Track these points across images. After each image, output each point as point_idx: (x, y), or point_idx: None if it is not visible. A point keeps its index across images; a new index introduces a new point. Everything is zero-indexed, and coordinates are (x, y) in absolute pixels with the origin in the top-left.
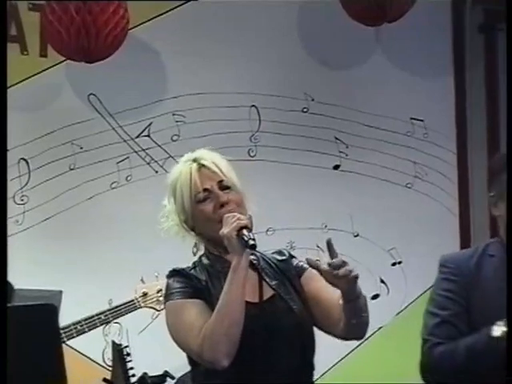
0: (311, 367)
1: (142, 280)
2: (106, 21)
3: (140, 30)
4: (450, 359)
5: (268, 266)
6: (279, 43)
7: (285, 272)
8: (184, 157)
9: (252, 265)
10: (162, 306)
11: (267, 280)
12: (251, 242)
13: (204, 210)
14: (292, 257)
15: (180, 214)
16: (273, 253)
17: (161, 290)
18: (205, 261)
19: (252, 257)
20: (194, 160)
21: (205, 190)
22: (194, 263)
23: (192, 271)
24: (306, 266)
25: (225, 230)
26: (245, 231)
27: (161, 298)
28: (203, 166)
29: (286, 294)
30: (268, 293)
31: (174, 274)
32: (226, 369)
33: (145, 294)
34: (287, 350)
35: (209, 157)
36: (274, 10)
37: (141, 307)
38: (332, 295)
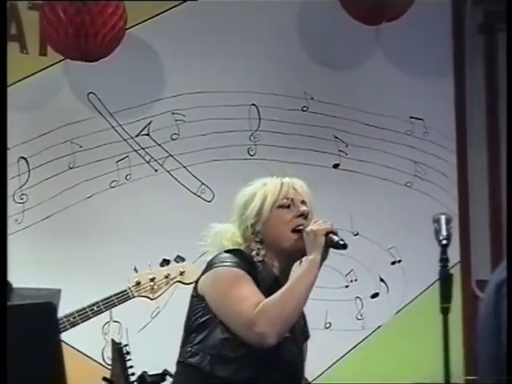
0: None
1: (135, 269)
2: (104, 21)
3: (139, 29)
4: None
5: None
6: (279, 42)
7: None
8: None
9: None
10: (156, 295)
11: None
12: (342, 242)
13: (282, 216)
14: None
15: (249, 220)
16: None
17: (154, 278)
18: (252, 264)
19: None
20: (282, 179)
21: (290, 198)
22: (250, 259)
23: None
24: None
25: (314, 227)
26: (333, 235)
27: (155, 287)
28: (289, 182)
29: (298, 334)
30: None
31: (235, 250)
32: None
33: (138, 283)
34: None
35: (298, 181)
36: (274, 10)
37: (134, 297)
38: None
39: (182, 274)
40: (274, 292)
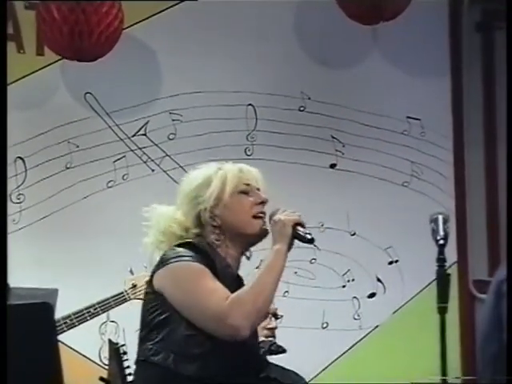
0: None
1: (130, 271)
2: (98, 20)
3: (136, 28)
4: None
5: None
6: (276, 42)
7: None
8: (212, 163)
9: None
10: None
11: None
12: (309, 237)
13: (243, 201)
14: None
15: (206, 203)
16: None
17: None
18: (207, 255)
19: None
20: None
21: (248, 184)
22: (196, 250)
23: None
24: None
25: (282, 217)
26: (300, 228)
27: None
28: (246, 169)
29: None
30: None
31: (188, 244)
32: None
33: (134, 286)
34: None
35: (253, 169)
36: (271, 9)
37: (130, 299)
38: None
39: None
40: (228, 280)
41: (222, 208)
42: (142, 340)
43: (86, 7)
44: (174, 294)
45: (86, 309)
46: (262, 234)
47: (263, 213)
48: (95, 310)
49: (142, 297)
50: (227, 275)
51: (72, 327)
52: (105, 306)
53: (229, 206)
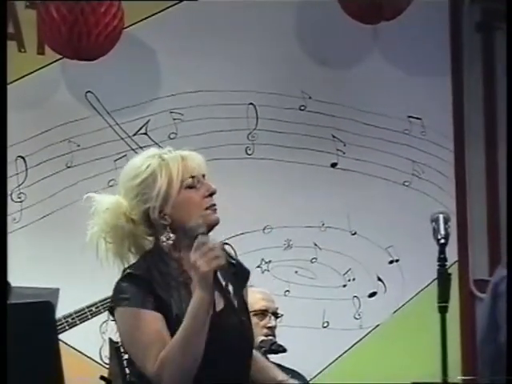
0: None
1: None
2: (97, 20)
3: (137, 27)
4: None
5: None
6: (277, 41)
7: (235, 278)
8: (151, 150)
9: None
10: None
11: (218, 287)
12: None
13: (192, 197)
14: (240, 263)
15: (153, 202)
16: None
17: None
18: (160, 264)
19: None
20: (173, 151)
21: (193, 177)
22: (144, 260)
23: (147, 274)
24: (248, 279)
25: (203, 266)
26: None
27: None
28: (189, 157)
29: (237, 306)
30: (220, 302)
31: (131, 276)
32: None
33: None
34: (235, 362)
35: (194, 154)
36: (272, 9)
37: None
38: None
39: None
40: (184, 289)
41: (170, 207)
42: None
43: (84, 7)
44: (122, 338)
45: (88, 307)
46: (214, 225)
47: (213, 204)
48: (97, 308)
49: None
50: (181, 285)
51: (73, 326)
52: (106, 304)
53: (178, 204)
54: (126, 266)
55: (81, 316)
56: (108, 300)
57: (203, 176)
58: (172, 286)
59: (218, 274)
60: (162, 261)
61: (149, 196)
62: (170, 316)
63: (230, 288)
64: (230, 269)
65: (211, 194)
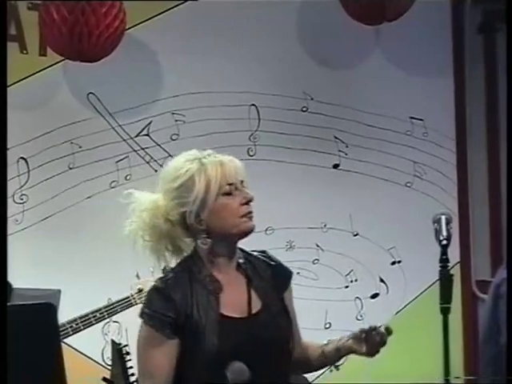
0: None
1: (137, 275)
2: (97, 21)
3: (139, 29)
4: None
5: (255, 271)
6: (279, 42)
7: (274, 281)
8: (192, 152)
9: (239, 268)
10: None
11: (256, 290)
12: None
13: (229, 204)
14: (281, 265)
15: (190, 206)
16: (259, 254)
17: None
18: (192, 268)
19: (241, 260)
20: (214, 156)
21: (231, 184)
22: (180, 265)
23: (176, 283)
24: (289, 280)
25: None
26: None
27: None
28: (230, 161)
29: (275, 308)
30: (256, 304)
31: (158, 291)
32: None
33: (140, 291)
34: (271, 365)
35: (233, 159)
36: (274, 9)
37: (136, 304)
38: (295, 326)
39: None
40: (210, 296)
41: (207, 213)
42: None
43: (85, 8)
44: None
45: (92, 313)
46: (248, 232)
47: (250, 212)
48: (101, 314)
49: None
50: (210, 294)
51: (77, 331)
52: (111, 310)
53: (214, 211)
54: (162, 264)
55: (85, 321)
56: (112, 306)
57: (242, 182)
58: (199, 295)
59: (256, 276)
60: (197, 266)
61: (186, 200)
62: (189, 325)
63: (268, 290)
64: (268, 271)
65: (248, 202)
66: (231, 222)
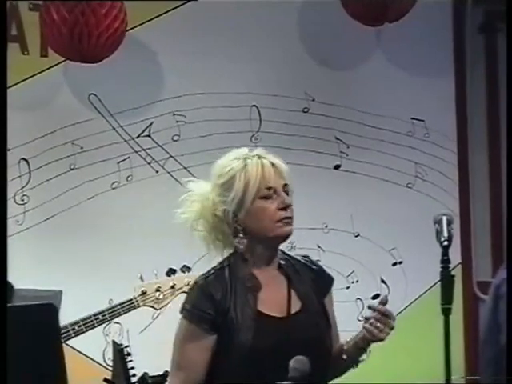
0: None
1: (140, 278)
2: (97, 22)
3: (141, 30)
4: None
5: (296, 272)
6: (280, 43)
7: (315, 285)
8: (242, 150)
9: (280, 268)
10: (161, 305)
11: (296, 290)
12: None
13: (266, 208)
14: (322, 270)
15: (229, 205)
16: (302, 258)
17: (160, 288)
18: (233, 265)
19: (282, 262)
20: (259, 156)
21: (270, 188)
22: (221, 263)
23: (216, 280)
24: (330, 284)
25: None
26: None
27: (160, 297)
28: (272, 164)
29: (314, 310)
30: (296, 305)
31: (198, 287)
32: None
33: (144, 293)
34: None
35: (274, 157)
36: (275, 10)
37: (139, 306)
38: (335, 331)
39: (188, 284)
40: (247, 297)
41: (244, 213)
42: None
43: (84, 9)
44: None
45: (95, 315)
46: (285, 237)
47: (287, 217)
48: (103, 316)
49: (151, 304)
50: (248, 290)
51: (80, 333)
52: (113, 312)
53: (251, 213)
54: (213, 252)
55: (87, 324)
56: (115, 309)
57: (284, 186)
58: (238, 292)
59: (297, 278)
60: (237, 264)
61: (226, 199)
62: (226, 321)
63: (309, 292)
64: (309, 275)
65: (285, 208)
66: (268, 225)
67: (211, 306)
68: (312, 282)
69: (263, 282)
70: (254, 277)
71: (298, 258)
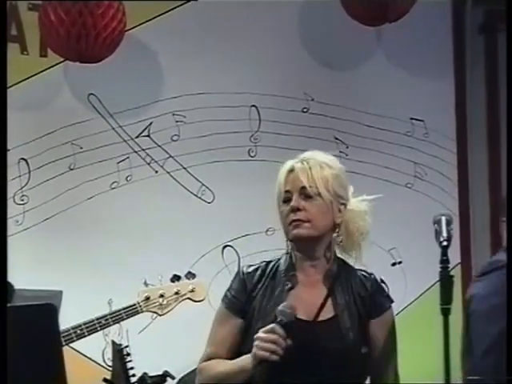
0: None
1: (144, 283)
2: (94, 22)
3: (140, 30)
4: None
5: (345, 284)
6: (279, 43)
7: (363, 303)
8: (303, 154)
9: (328, 275)
10: (165, 311)
11: (334, 300)
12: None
13: (282, 211)
14: (379, 293)
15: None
16: (363, 273)
17: (164, 294)
18: (282, 263)
19: (334, 269)
20: (302, 160)
21: (287, 191)
22: (275, 259)
23: (255, 271)
24: (383, 309)
25: (256, 346)
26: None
27: (164, 303)
28: (294, 170)
29: (346, 323)
30: (327, 313)
31: (237, 275)
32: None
33: (147, 298)
34: (323, 376)
35: (312, 161)
36: (275, 10)
37: (142, 311)
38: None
39: (192, 291)
40: (283, 280)
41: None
42: None
43: (82, 9)
44: None
45: (97, 319)
46: (295, 240)
47: (295, 220)
48: (106, 320)
49: (154, 310)
50: (285, 287)
51: (82, 337)
52: (116, 317)
53: (280, 217)
54: None
55: (90, 327)
56: (118, 313)
57: (301, 188)
58: (274, 288)
59: (342, 288)
60: (285, 263)
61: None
62: (252, 309)
63: (349, 306)
64: (361, 291)
65: (293, 210)
66: (285, 228)
67: (242, 292)
68: (361, 299)
69: (303, 283)
70: (294, 276)
71: (361, 272)
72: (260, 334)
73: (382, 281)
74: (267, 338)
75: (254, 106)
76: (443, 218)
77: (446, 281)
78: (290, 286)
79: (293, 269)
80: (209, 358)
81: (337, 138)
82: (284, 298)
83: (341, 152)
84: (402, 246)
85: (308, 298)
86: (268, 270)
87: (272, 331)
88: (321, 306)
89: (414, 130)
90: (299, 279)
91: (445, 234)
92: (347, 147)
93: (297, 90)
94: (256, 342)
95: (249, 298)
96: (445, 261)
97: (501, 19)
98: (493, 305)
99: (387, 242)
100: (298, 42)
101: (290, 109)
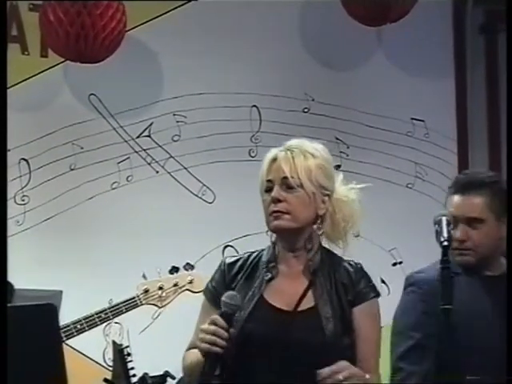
0: None
1: (143, 276)
2: (93, 22)
3: (141, 30)
4: None
5: (327, 273)
6: (280, 43)
7: (345, 290)
8: (290, 142)
9: (309, 265)
10: (164, 303)
11: (315, 290)
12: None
13: (265, 200)
14: (363, 281)
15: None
16: (349, 262)
17: (163, 286)
18: (265, 253)
19: (317, 259)
20: (287, 149)
21: (268, 181)
22: (258, 250)
23: (237, 261)
24: (366, 297)
25: (199, 345)
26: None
27: (163, 295)
28: (277, 159)
29: (327, 312)
30: (307, 303)
31: (219, 266)
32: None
33: (146, 291)
34: (302, 367)
35: (296, 150)
36: (275, 10)
37: (142, 304)
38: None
39: (190, 282)
40: (262, 270)
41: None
42: None
43: (81, 9)
44: None
45: (97, 313)
46: (274, 231)
47: (275, 211)
48: (106, 314)
49: (153, 302)
50: (261, 277)
51: (82, 332)
52: (115, 310)
53: (262, 204)
54: None
55: (89, 322)
56: (117, 307)
57: (283, 179)
58: (253, 278)
59: (325, 278)
60: (268, 254)
61: None
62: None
63: (330, 296)
64: (344, 279)
65: (274, 201)
66: (266, 219)
67: (221, 283)
68: (343, 287)
69: (285, 274)
70: (274, 267)
71: (347, 262)
72: (203, 325)
73: (383, 281)
74: (208, 330)
75: (254, 106)
76: (444, 219)
77: (446, 281)
78: (269, 276)
79: (275, 260)
80: (190, 348)
81: (337, 138)
82: (263, 289)
83: (341, 152)
84: (403, 246)
85: (289, 289)
86: (249, 261)
87: (213, 323)
88: (301, 297)
89: (414, 130)
90: (280, 270)
91: (445, 234)
92: (348, 147)
93: (297, 91)
94: (199, 335)
95: (228, 290)
96: (445, 261)
97: (501, 19)
98: (403, 323)
99: (388, 242)
100: (299, 42)
101: (291, 109)
